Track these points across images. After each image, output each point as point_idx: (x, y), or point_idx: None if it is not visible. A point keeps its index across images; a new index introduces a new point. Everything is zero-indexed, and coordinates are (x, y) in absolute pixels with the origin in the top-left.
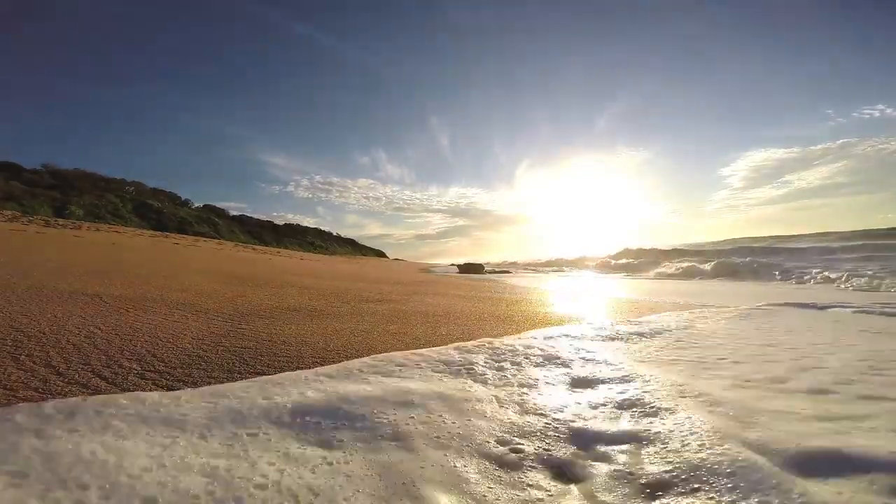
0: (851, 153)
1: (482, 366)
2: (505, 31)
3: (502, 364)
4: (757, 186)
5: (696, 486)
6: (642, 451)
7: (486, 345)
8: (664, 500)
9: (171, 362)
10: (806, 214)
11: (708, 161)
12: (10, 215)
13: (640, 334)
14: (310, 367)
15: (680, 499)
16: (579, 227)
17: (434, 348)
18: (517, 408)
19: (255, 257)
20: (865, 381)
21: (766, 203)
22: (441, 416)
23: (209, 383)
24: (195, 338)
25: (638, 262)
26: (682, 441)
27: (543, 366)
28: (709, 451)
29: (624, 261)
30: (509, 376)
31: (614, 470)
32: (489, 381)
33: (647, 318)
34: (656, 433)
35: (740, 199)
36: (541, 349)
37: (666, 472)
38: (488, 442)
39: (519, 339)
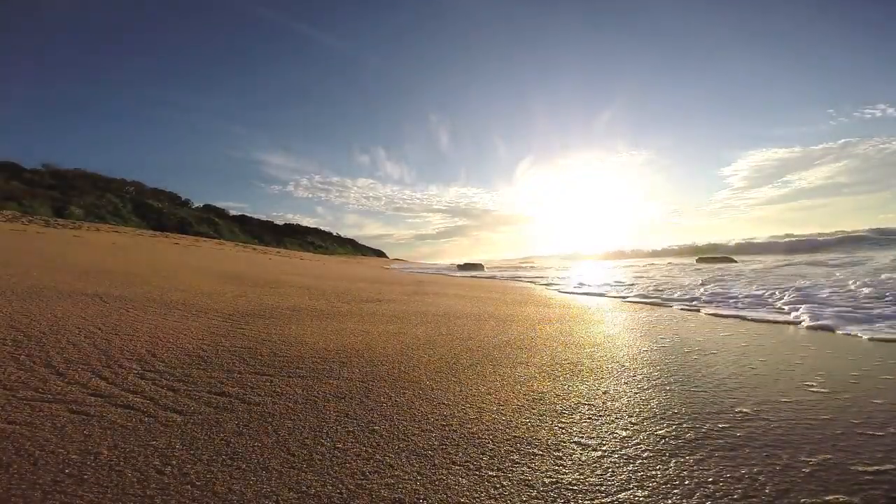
0: (853, 153)
1: None
2: (504, 28)
3: None
4: (758, 186)
5: None
6: None
7: None
8: None
9: (171, 362)
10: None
11: (708, 161)
12: (10, 215)
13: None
14: (310, 367)
15: None
16: (579, 227)
17: None
18: None
19: (255, 257)
20: None
21: (767, 203)
22: None
23: (209, 383)
24: (195, 338)
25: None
26: None
27: None
28: None
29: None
30: None
31: None
32: None
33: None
34: None
35: (741, 199)
36: None
37: None
38: None
39: None
